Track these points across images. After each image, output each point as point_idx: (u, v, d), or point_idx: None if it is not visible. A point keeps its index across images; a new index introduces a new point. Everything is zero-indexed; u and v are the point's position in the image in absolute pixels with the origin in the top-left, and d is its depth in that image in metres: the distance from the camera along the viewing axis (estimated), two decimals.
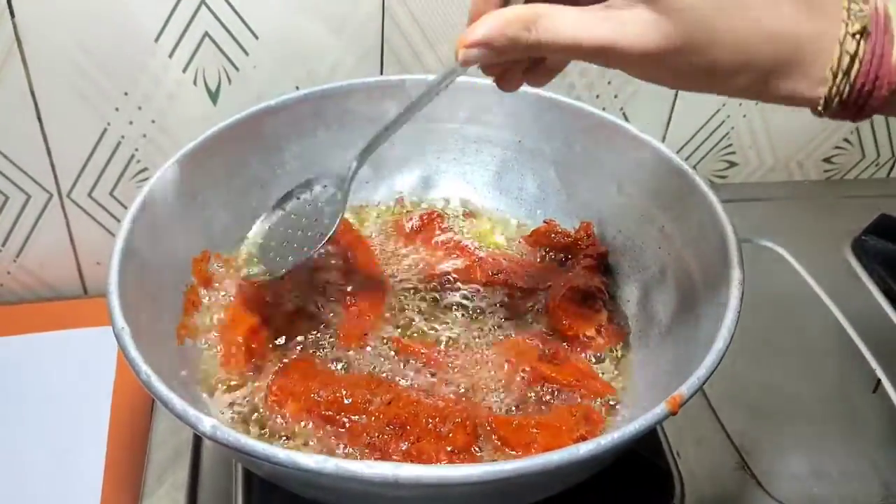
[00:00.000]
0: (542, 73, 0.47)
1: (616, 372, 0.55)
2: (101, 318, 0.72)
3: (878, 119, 0.89)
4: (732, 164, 0.90)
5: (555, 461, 0.39)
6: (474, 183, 0.69)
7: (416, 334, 0.57)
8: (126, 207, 0.74)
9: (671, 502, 0.56)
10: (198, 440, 0.59)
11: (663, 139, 0.85)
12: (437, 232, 0.65)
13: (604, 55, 0.39)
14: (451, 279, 0.61)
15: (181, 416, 0.41)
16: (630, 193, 0.62)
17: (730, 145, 0.88)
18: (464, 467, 0.38)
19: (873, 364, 0.68)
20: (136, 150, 0.72)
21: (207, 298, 0.57)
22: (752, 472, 0.59)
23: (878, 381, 0.67)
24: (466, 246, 0.64)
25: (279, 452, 0.38)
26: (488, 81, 0.62)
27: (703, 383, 0.43)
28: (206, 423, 0.40)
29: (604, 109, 0.63)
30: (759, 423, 0.63)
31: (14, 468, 0.62)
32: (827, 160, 0.92)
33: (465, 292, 0.60)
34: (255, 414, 0.51)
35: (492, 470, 0.38)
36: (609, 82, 0.79)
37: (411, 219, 0.67)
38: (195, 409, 0.41)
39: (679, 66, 0.38)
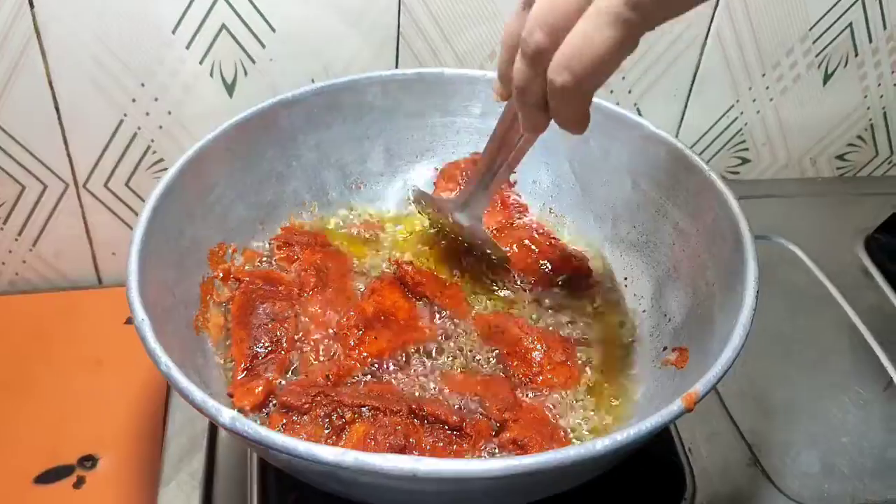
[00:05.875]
0: None
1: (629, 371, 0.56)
2: (115, 308, 0.74)
3: (892, 117, 0.89)
4: (745, 161, 0.89)
5: (571, 456, 0.39)
6: None
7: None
8: (141, 198, 0.75)
9: (683, 498, 0.57)
10: (213, 430, 0.59)
11: (676, 134, 0.85)
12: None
13: None
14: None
15: (201, 407, 0.41)
16: (645, 190, 0.62)
17: (743, 141, 0.88)
18: (483, 461, 0.38)
19: (885, 361, 0.68)
20: (152, 141, 0.72)
21: (223, 290, 0.57)
22: (764, 468, 0.59)
23: (890, 378, 0.67)
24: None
25: (298, 445, 0.39)
26: None
27: (718, 381, 0.43)
28: (226, 415, 0.40)
29: (617, 104, 0.63)
30: (770, 421, 0.63)
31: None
32: (840, 157, 0.92)
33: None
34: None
35: (511, 464, 0.38)
36: (623, 77, 0.79)
37: None
38: (214, 401, 0.41)
39: None
